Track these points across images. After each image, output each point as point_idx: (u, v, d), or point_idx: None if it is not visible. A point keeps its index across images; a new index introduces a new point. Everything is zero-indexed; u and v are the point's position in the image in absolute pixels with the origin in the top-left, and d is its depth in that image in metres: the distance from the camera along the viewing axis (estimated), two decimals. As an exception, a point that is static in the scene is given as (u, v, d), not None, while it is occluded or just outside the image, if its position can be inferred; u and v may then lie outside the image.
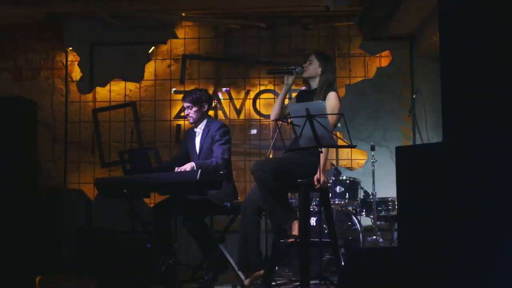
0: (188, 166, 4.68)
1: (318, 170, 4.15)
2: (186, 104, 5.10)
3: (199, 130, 5.14)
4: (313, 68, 4.51)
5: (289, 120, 4.43)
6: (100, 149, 6.98)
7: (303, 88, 4.74)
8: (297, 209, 4.39)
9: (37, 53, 7.18)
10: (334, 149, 6.81)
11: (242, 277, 4.62)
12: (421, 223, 2.46)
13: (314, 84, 4.54)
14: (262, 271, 4.41)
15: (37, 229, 5.94)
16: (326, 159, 4.25)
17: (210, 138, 5.02)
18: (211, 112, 5.65)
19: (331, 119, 4.03)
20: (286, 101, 5.26)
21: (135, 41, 7.06)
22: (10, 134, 5.60)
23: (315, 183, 4.12)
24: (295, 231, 4.27)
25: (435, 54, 6.31)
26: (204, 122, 5.13)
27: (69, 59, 7.14)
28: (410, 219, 2.50)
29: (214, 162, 4.83)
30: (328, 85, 4.45)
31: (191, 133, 5.23)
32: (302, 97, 4.62)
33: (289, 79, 4.55)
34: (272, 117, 4.70)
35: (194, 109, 5.07)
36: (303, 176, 4.22)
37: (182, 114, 6.91)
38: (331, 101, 4.30)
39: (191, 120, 5.12)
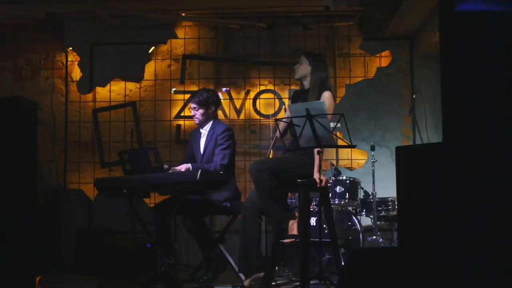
0: (183, 167, 4.68)
1: (315, 170, 4.15)
2: (192, 105, 5.08)
3: (204, 131, 5.13)
4: (303, 67, 4.53)
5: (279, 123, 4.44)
6: (100, 149, 6.98)
7: (298, 88, 4.75)
8: (297, 209, 4.39)
9: (37, 53, 7.18)
10: (334, 149, 6.82)
11: (242, 277, 4.62)
12: (421, 223, 2.47)
13: (307, 83, 4.54)
14: (262, 274, 4.40)
15: (37, 229, 5.95)
16: (321, 159, 4.24)
17: (214, 141, 5.01)
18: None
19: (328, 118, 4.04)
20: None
21: (135, 41, 7.05)
22: (10, 134, 5.60)
23: (317, 181, 4.12)
24: (295, 231, 4.27)
25: (435, 54, 6.31)
26: (210, 123, 5.12)
27: (69, 59, 7.14)
28: (410, 219, 2.50)
29: (212, 167, 4.83)
30: (320, 84, 4.45)
31: (196, 134, 5.22)
32: (297, 97, 4.63)
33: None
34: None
35: (201, 111, 5.05)
36: (301, 177, 4.22)
37: (182, 114, 6.94)
38: (326, 101, 4.28)
39: (197, 121, 5.11)
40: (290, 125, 4.46)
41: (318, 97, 4.38)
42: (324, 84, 4.47)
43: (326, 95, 4.37)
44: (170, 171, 4.64)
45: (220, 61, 7.04)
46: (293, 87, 6.57)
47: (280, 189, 4.29)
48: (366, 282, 2.79)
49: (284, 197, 4.41)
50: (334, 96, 4.45)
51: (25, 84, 7.15)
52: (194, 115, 5.10)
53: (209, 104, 5.07)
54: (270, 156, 5.44)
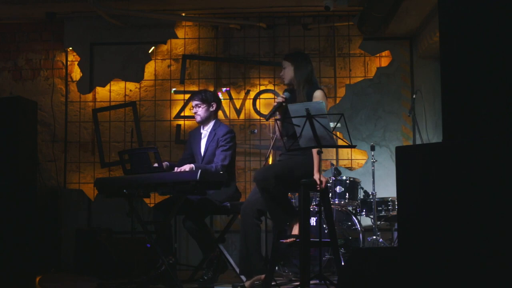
0: (187, 167, 4.68)
1: (315, 170, 4.15)
2: (195, 102, 5.09)
3: (205, 132, 5.13)
4: (287, 71, 4.49)
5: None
6: (100, 149, 6.98)
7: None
8: (297, 209, 4.38)
9: (37, 53, 7.18)
10: (334, 149, 6.82)
11: (243, 279, 4.61)
12: (421, 223, 2.46)
13: (295, 83, 4.51)
14: (263, 276, 4.39)
15: (37, 229, 5.95)
16: (320, 159, 4.22)
17: (216, 142, 5.01)
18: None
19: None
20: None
21: (135, 41, 7.06)
22: (10, 134, 5.61)
23: (317, 183, 4.11)
24: (295, 231, 4.27)
25: (435, 54, 6.32)
26: (211, 124, 5.12)
27: (69, 59, 7.14)
28: (410, 219, 2.50)
29: (213, 167, 4.83)
30: (306, 80, 4.41)
31: (196, 134, 5.21)
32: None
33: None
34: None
35: (203, 106, 5.06)
36: (302, 176, 4.22)
37: (182, 114, 6.94)
38: (319, 100, 4.23)
39: (198, 119, 5.11)
40: (282, 125, 4.45)
41: (308, 95, 4.34)
42: (310, 80, 4.42)
43: (318, 94, 4.32)
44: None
45: (220, 61, 7.04)
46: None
47: (286, 194, 4.29)
48: (366, 282, 2.79)
49: (290, 202, 4.41)
50: (325, 94, 4.40)
51: (25, 84, 7.16)
52: (195, 112, 5.10)
53: (211, 101, 5.09)
54: (270, 156, 5.45)
